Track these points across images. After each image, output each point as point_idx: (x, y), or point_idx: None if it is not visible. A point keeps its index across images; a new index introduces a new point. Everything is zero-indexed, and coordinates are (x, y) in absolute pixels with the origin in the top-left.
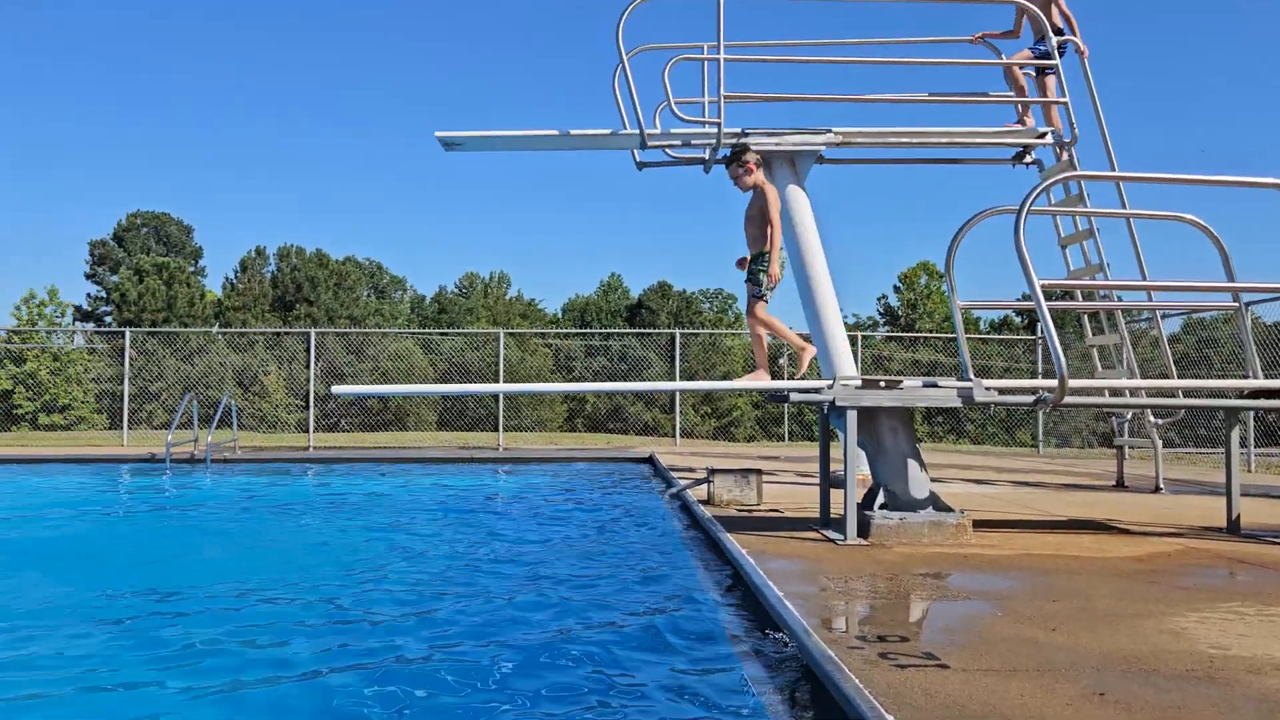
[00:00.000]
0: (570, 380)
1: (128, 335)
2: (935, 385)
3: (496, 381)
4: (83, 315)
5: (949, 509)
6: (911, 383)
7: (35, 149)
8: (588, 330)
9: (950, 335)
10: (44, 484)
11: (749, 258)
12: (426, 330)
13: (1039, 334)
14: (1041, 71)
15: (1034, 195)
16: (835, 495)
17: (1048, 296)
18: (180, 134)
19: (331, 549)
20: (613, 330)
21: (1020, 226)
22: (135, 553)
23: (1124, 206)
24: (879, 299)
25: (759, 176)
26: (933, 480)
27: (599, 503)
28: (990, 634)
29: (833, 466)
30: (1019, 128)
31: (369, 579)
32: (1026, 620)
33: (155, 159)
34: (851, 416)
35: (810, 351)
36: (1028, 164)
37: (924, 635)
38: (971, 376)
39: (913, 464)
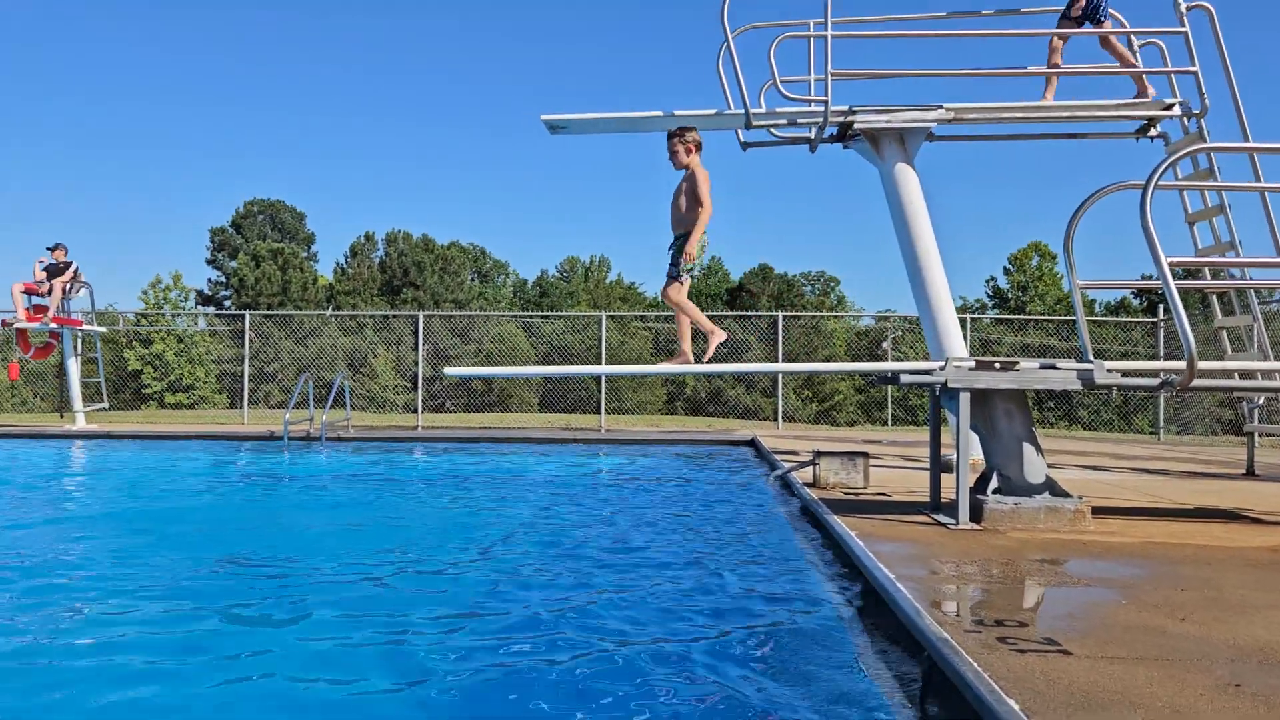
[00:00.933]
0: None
1: (247, 318)
2: (1054, 367)
3: (597, 364)
4: (204, 299)
5: (1066, 494)
6: (1028, 364)
7: (158, 141)
8: None
9: (1063, 318)
10: (175, 459)
11: (675, 236)
12: (528, 313)
13: (1160, 316)
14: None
15: (1161, 169)
16: (946, 479)
17: (1174, 276)
18: (293, 123)
19: (446, 524)
20: (713, 313)
21: (1147, 202)
22: (259, 522)
23: (1258, 179)
24: (988, 281)
25: (695, 159)
26: (1048, 466)
27: (703, 484)
28: (1114, 621)
29: (943, 450)
30: (1143, 100)
31: (489, 552)
32: (1152, 608)
33: (270, 148)
34: (964, 399)
35: (719, 335)
36: (1152, 137)
37: (1043, 621)
38: (1092, 358)
39: (1028, 448)
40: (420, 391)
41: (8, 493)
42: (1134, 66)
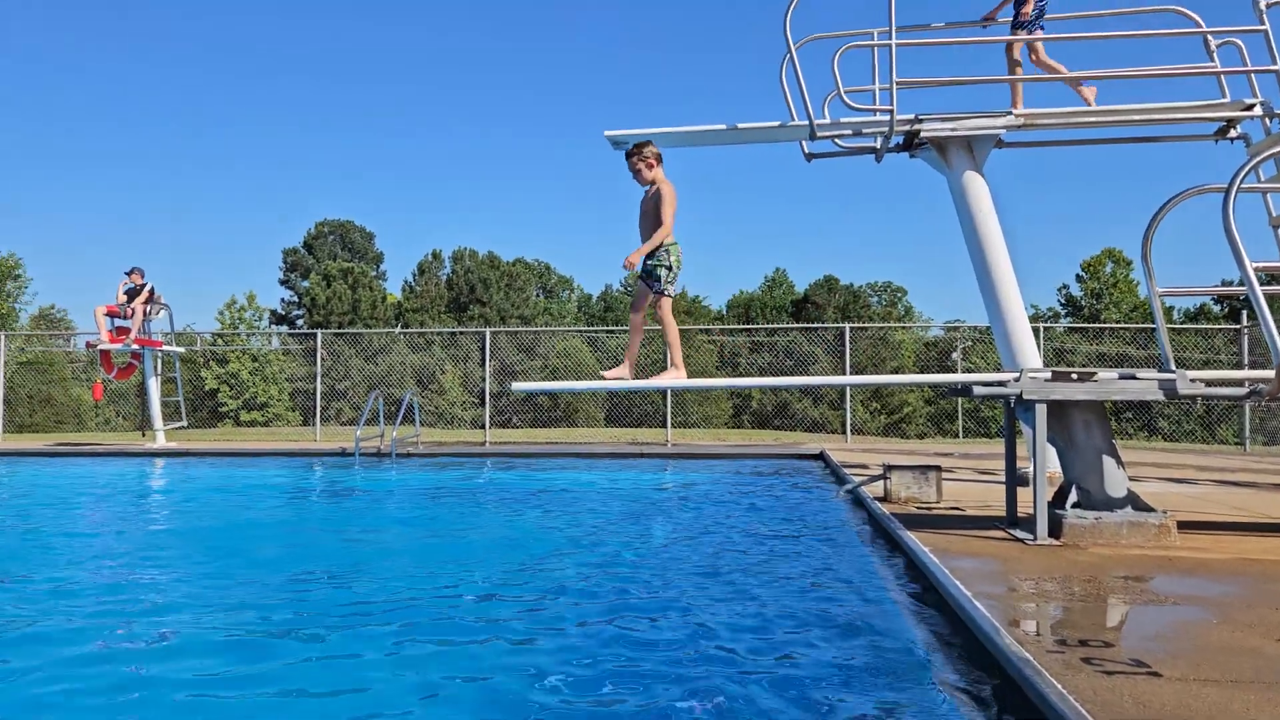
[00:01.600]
0: (735, 376)
1: (319, 337)
2: (1134, 377)
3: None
4: (277, 319)
5: (1149, 508)
6: (1107, 374)
7: (233, 165)
8: (753, 326)
9: (1139, 326)
10: (251, 475)
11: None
12: (593, 328)
13: (1244, 322)
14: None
15: (1244, 172)
16: (1022, 493)
17: (1260, 281)
18: (362, 144)
19: (515, 538)
20: (778, 325)
21: (1230, 206)
22: (334, 537)
23: None
24: (1060, 288)
25: (659, 173)
26: (1129, 479)
27: (771, 499)
28: (1206, 642)
29: (1019, 463)
30: (1222, 101)
31: (558, 567)
32: (1246, 628)
33: (340, 170)
34: (1041, 410)
35: (679, 373)
36: (1232, 139)
37: (1130, 641)
38: (1174, 367)
39: (1109, 460)
40: (487, 407)
41: (94, 509)
42: (1061, 74)
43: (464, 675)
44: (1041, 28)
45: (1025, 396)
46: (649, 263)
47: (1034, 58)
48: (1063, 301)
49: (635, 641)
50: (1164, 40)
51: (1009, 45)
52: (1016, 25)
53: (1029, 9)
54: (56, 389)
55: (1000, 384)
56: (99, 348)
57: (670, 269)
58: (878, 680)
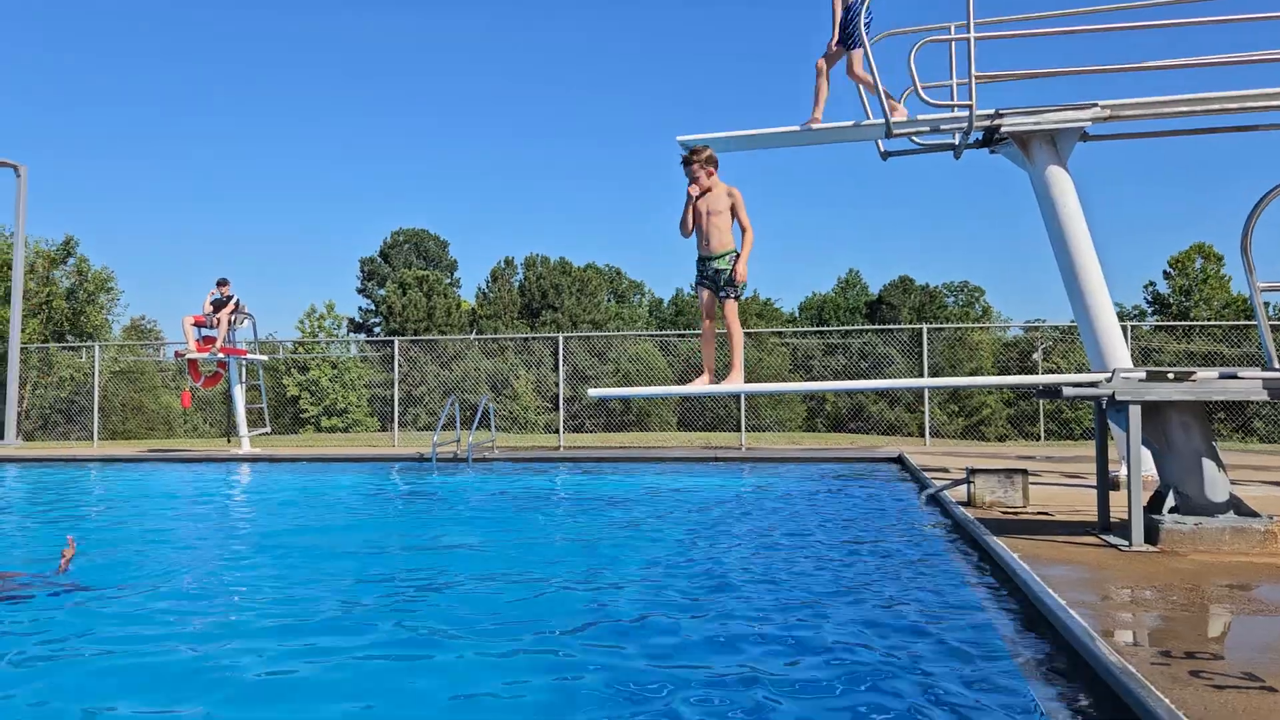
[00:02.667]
0: (808, 379)
1: (396, 344)
2: (1235, 376)
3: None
4: (355, 327)
5: (1254, 513)
6: (1206, 374)
7: (311, 177)
8: (826, 328)
9: (1231, 323)
10: (333, 480)
11: (707, 257)
12: (665, 332)
13: None
14: None
15: None
16: (1115, 498)
17: None
18: (435, 152)
19: (593, 542)
20: (852, 327)
21: None
22: (414, 540)
23: None
24: (1146, 286)
25: (717, 178)
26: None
27: (849, 505)
28: None
29: (1110, 466)
30: None
31: (637, 572)
32: None
33: (415, 179)
34: (1135, 412)
35: (739, 376)
36: None
37: (1239, 653)
38: (1278, 365)
39: (1209, 464)
40: (561, 412)
41: (184, 512)
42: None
43: (536, 675)
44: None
45: (1118, 397)
46: (719, 267)
47: (849, 71)
48: (1149, 299)
49: (712, 641)
50: (1255, 24)
51: (826, 58)
52: (844, 42)
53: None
54: (147, 397)
55: (1091, 385)
56: (187, 357)
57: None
58: (967, 693)
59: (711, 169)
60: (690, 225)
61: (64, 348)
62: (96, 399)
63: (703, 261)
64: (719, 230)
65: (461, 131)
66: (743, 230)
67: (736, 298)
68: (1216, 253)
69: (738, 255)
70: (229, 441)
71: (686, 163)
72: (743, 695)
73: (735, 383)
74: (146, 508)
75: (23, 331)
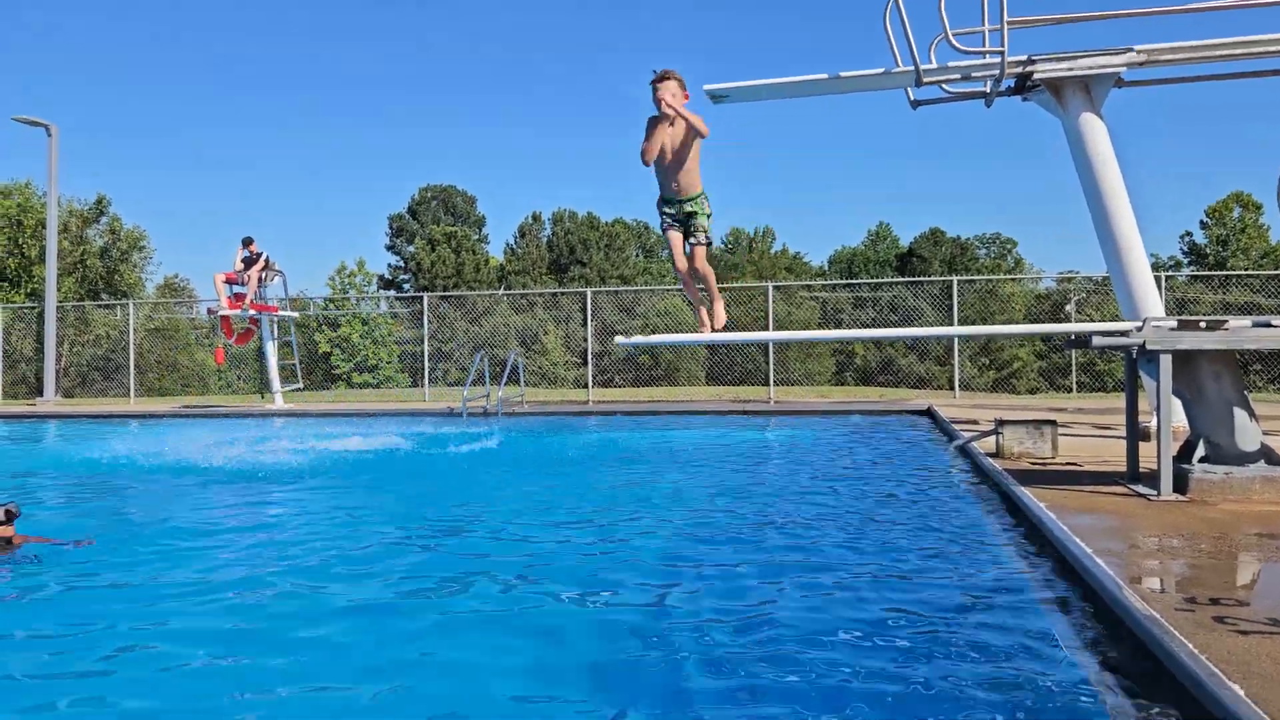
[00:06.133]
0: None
1: (425, 300)
2: (1268, 325)
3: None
4: (385, 283)
5: None
6: (1238, 322)
7: (340, 135)
8: (856, 281)
9: (1270, 273)
10: (367, 434)
11: (674, 198)
12: None
13: None
14: None
15: None
16: (1144, 448)
17: None
18: (461, 108)
19: (624, 492)
20: (882, 280)
21: None
22: (448, 492)
23: None
24: (1182, 236)
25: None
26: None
27: (878, 456)
28: None
29: (1140, 417)
30: None
31: (667, 520)
32: None
33: (441, 135)
34: (1165, 361)
35: (721, 321)
36: None
37: (1266, 600)
38: None
39: (1240, 413)
40: (590, 366)
41: (228, 465)
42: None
43: (575, 619)
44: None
45: (1149, 346)
46: (689, 208)
47: None
48: (1185, 250)
49: (734, 600)
50: None
51: None
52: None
53: None
54: (182, 354)
55: (1122, 334)
56: (219, 313)
57: (710, 215)
58: (993, 640)
59: (684, 94)
60: (654, 152)
61: (99, 306)
62: (132, 356)
63: (669, 203)
64: (688, 171)
65: (487, 86)
66: (697, 136)
67: (709, 243)
68: (1255, 201)
69: (707, 198)
70: (262, 398)
71: (661, 84)
72: (767, 632)
73: (721, 318)
74: (190, 460)
75: (58, 290)
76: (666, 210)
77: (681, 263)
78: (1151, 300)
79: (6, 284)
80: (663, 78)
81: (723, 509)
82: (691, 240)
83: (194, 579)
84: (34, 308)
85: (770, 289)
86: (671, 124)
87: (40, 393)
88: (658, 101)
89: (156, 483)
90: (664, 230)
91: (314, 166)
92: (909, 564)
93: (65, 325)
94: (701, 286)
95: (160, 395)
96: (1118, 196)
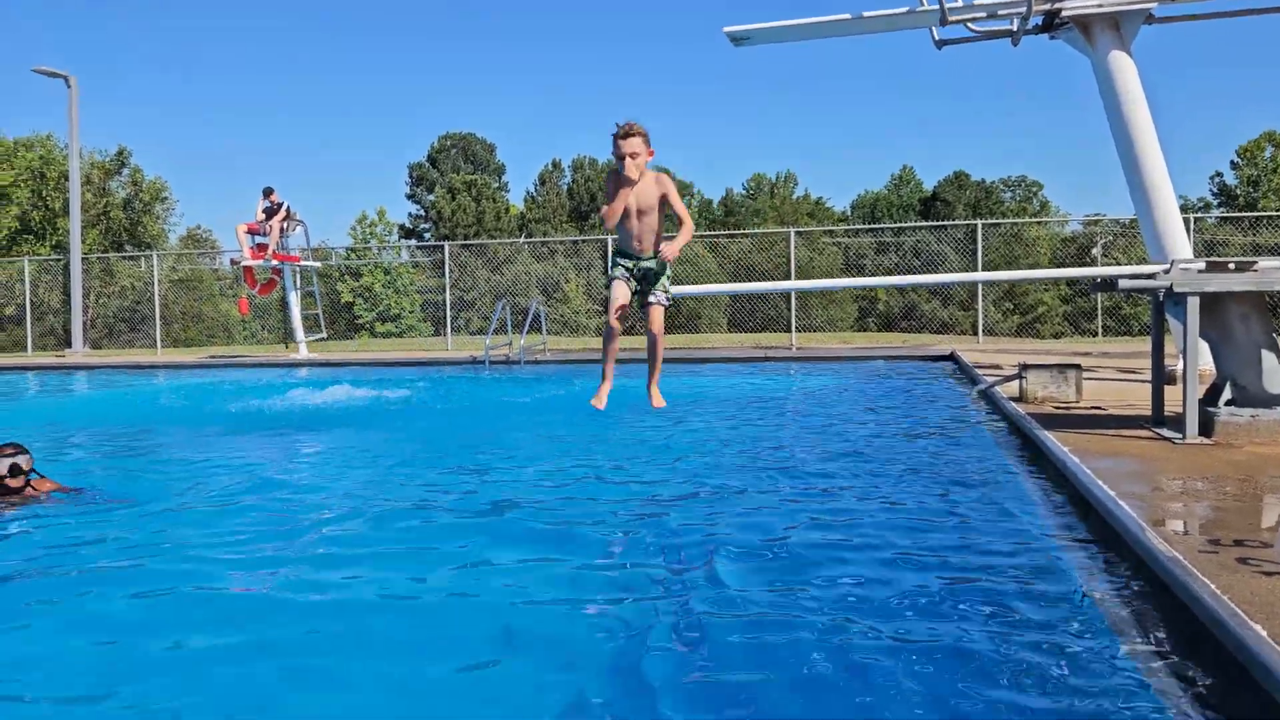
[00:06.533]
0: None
1: (447, 249)
2: None
3: (786, 282)
4: (406, 233)
5: None
6: (1268, 263)
7: (358, 83)
8: (878, 225)
9: None
10: (390, 382)
11: (635, 255)
12: (714, 233)
13: None
14: None
15: None
16: (1170, 392)
17: None
18: (479, 54)
19: (647, 440)
20: (905, 224)
21: None
22: (473, 438)
23: None
24: (1212, 177)
25: (646, 168)
26: None
27: (900, 401)
28: None
29: (1166, 361)
30: None
31: (690, 467)
32: None
33: (460, 82)
34: (1193, 304)
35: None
36: None
37: None
38: None
39: (1268, 355)
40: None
41: (248, 417)
42: None
43: (594, 553)
44: None
45: (1176, 289)
46: (652, 266)
47: None
48: (1215, 191)
49: (759, 527)
50: None
51: None
52: None
53: None
54: (206, 305)
55: (1149, 277)
56: (242, 264)
57: (670, 277)
58: (1014, 583)
59: (649, 150)
60: (616, 217)
61: (123, 257)
62: (158, 307)
63: (626, 256)
64: (652, 231)
65: (506, 32)
66: (680, 222)
67: (669, 304)
68: None
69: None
70: (287, 347)
71: (624, 139)
72: (780, 574)
73: (656, 396)
74: (223, 409)
75: (83, 242)
76: (622, 262)
77: (617, 318)
78: (1180, 242)
79: (32, 236)
80: (626, 134)
81: (740, 452)
82: (652, 299)
83: (229, 530)
84: (60, 260)
85: (792, 234)
86: (636, 183)
87: (68, 344)
88: (620, 159)
89: (186, 433)
90: (611, 281)
91: (332, 115)
92: (928, 508)
93: (91, 277)
94: (646, 355)
95: (186, 346)
96: (1146, 136)
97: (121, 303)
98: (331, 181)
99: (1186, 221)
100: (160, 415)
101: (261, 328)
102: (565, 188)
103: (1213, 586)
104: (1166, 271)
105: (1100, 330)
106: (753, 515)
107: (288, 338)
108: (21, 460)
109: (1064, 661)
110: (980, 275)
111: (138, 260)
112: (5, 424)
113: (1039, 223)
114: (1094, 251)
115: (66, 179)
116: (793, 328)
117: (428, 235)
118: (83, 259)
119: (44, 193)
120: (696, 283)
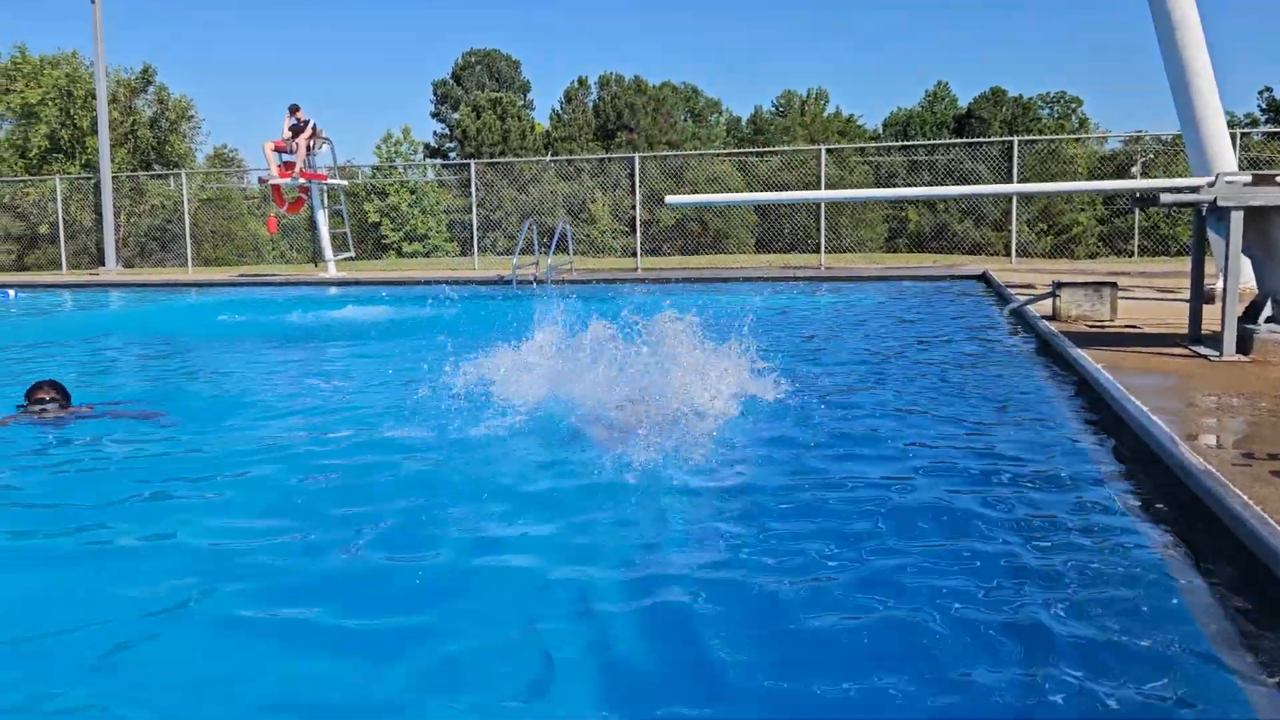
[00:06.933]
0: (891, 201)
1: (472, 167)
2: None
3: (814, 205)
4: (431, 152)
5: None
6: None
7: (379, 3)
8: (911, 143)
9: None
10: (416, 302)
11: None
12: (743, 150)
13: None
14: None
15: None
16: (1208, 311)
17: None
18: None
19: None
20: (938, 142)
21: None
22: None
23: None
24: (1261, 91)
25: None
26: None
27: (929, 321)
28: None
29: (1206, 280)
30: None
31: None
32: None
33: None
34: (1236, 218)
35: None
36: None
37: None
38: None
39: None
40: (638, 234)
41: (294, 330)
42: None
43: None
44: None
45: (1220, 203)
46: None
47: None
48: (1263, 106)
49: (785, 444)
50: None
51: None
52: None
53: None
54: (235, 224)
55: (1192, 190)
56: (270, 182)
57: None
58: (1045, 498)
59: None
60: None
61: (153, 176)
62: (188, 226)
63: None
64: None
65: None
66: None
67: None
68: None
69: None
70: (316, 266)
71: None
72: (811, 492)
73: None
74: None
75: (112, 161)
76: None
77: None
78: (1225, 158)
79: (61, 155)
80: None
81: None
82: None
83: (262, 438)
84: (90, 178)
85: (823, 152)
86: None
87: (101, 263)
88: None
89: (222, 349)
90: None
91: (356, 32)
92: (958, 427)
93: (121, 196)
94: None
95: (217, 265)
96: (1195, 46)
97: (152, 221)
98: (356, 99)
99: (1233, 136)
100: (206, 332)
101: (290, 247)
102: (591, 105)
103: (1245, 498)
104: (1210, 185)
105: (1137, 251)
106: (778, 432)
107: (316, 257)
108: (49, 399)
109: (1094, 573)
110: (1015, 187)
111: (166, 179)
112: (57, 337)
113: (1077, 139)
114: (1134, 170)
115: (94, 97)
116: (822, 248)
117: (453, 154)
118: (112, 178)
119: (71, 111)
120: (726, 206)
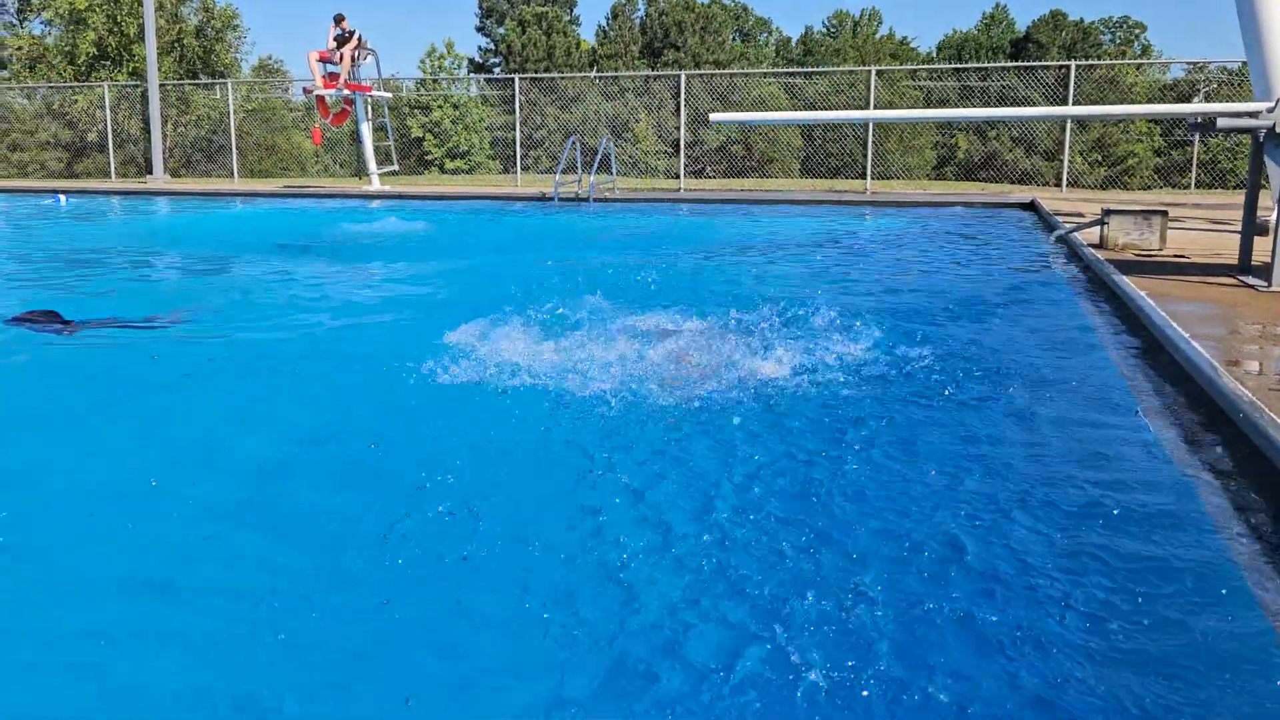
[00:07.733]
0: (942, 126)
1: (516, 83)
2: None
3: (864, 127)
4: (475, 67)
5: None
6: None
7: None
8: (963, 67)
9: None
10: (466, 215)
11: None
12: (791, 70)
13: None
14: None
15: None
16: (1260, 243)
17: None
18: None
19: (717, 276)
20: (992, 65)
21: None
22: (549, 271)
23: None
24: None
25: None
26: None
27: (973, 245)
28: None
29: (1261, 212)
30: None
31: (754, 301)
32: None
33: None
34: None
35: None
36: None
37: None
38: None
39: None
40: (682, 156)
41: (340, 243)
42: None
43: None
44: None
45: (1279, 129)
46: None
47: None
48: None
49: (825, 368)
50: None
51: None
52: None
53: None
54: (280, 136)
55: (1251, 115)
56: (315, 93)
57: None
58: (1083, 426)
59: None
60: None
61: (199, 85)
62: (233, 137)
63: None
64: None
65: None
66: None
67: None
68: None
69: None
70: (360, 179)
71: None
72: (845, 410)
73: None
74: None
75: (159, 70)
76: None
77: None
78: None
79: (109, 62)
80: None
81: (806, 298)
82: None
83: (301, 349)
84: (137, 86)
85: (873, 74)
86: None
87: (149, 171)
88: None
89: (262, 259)
90: None
91: None
92: (998, 359)
93: (167, 105)
94: None
95: (262, 177)
96: None
97: (198, 132)
98: (400, 11)
99: None
100: (254, 241)
101: (334, 161)
102: (639, 22)
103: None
104: (1271, 110)
105: (1194, 184)
106: (815, 357)
107: (360, 170)
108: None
109: (1132, 498)
110: (1068, 110)
111: (212, 89)
112: (119, 240)
113: (1138, 64)
114: (1195, 100)
115: (140, 3)
116: (868, 174)
117: (497, 70)
118: (159, 86)
119: (119, 18)
120: (773, 127)
